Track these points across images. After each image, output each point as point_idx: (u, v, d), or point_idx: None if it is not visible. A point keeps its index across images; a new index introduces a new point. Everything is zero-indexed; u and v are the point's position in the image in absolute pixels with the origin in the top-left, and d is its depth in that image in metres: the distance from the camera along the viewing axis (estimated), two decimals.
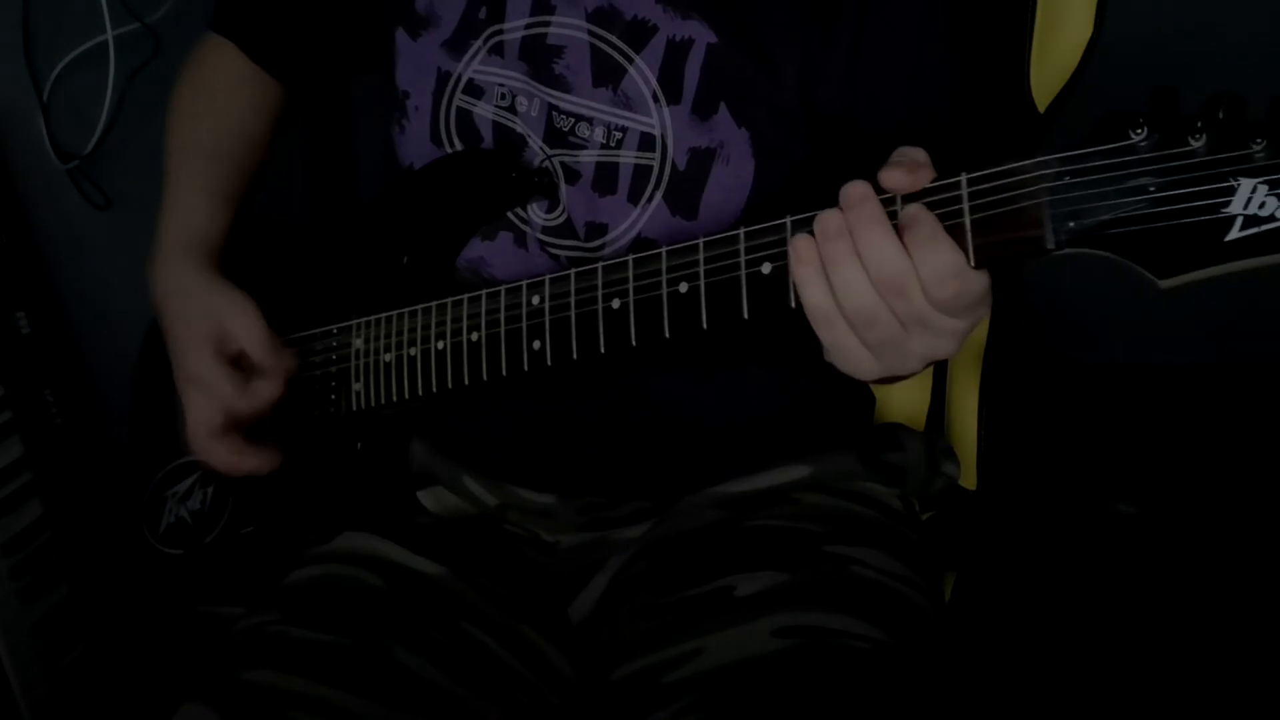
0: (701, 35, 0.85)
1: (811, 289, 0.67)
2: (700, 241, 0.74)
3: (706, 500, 0.97)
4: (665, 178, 0.87)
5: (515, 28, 0.89)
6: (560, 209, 0.90)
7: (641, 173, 0.87)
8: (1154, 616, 1.62)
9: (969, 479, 1.11)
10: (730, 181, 0.86)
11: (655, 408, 0.95)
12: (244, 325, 0.93)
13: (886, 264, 0.65)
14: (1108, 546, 1.72)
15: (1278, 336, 1.85)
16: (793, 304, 0.70)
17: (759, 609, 0.85)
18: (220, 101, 1.04)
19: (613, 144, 0.88)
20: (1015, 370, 0.89)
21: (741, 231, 0.72)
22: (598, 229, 0.89)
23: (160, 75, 1.43)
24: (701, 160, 0.86)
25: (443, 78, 0.92)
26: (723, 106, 0.85)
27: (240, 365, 0.94)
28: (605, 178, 0.88)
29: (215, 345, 0.93)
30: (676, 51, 0.85)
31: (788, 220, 0.70)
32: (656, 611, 0.89)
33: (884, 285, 0.65)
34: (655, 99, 0.86)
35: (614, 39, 0.87)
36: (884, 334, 0.67)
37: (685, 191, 0.87)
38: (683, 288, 0.74)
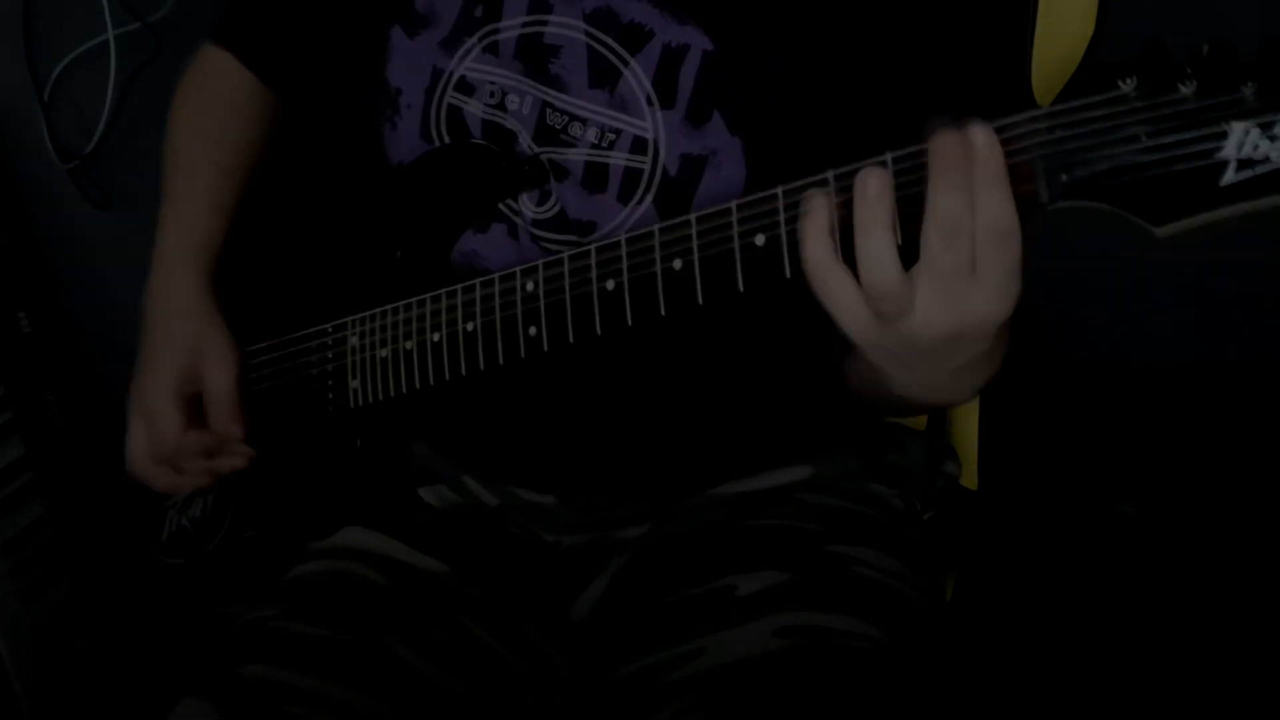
0: (698, 42, 0.85)
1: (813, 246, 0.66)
2: (692, 217, 0.73)
3: (707, 500, 0.97)
4: (656, 182, 0.87)
5: (512, 26, 0.89)
6: (552, 202, 0.90)
7: (632, 175, 0.87)
8: (1154, 616, 1.62)
9: (969, 479, 1.11)
10: (721, 189, 0.86)
11: (655, 408, 0.95)
12: (217, 376, 0.95)
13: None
14: (1108, 547, 1.72)
15: (1278, 335, 1.85)
16: (787, 274, 0.70)
17: (760, 609, 0.84)
18: (221, 114, 1.05)
19: (605, 145, 0.88)
20: (1015, 370, 0.89)
21: (734, 204, 0.72)
22: (587, 226, 0.89)
23: (161, 75, 1.43)
24: (693, 167, 0.86)
25: (436, 75, 0.92)
26: (716, 114, 0.85)
27: (199, 405, 0.96)
28: (595, 176, 0.88)
29: (179, 381, 0.95)
30: (672, 57, 0.85)
31: (779, 190, 0.70)
32: (657, 612, 0.89)
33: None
34: (649, 103, 0.86)
35: (610, 41, 0.86)
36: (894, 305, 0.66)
37: (675, 197, 0.87)
38: (677, 264, 0.74)
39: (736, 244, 0.72)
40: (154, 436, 0.96)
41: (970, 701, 0.83)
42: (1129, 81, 0.59)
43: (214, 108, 1.05)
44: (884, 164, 0.66)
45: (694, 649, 0.83)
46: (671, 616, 0.87)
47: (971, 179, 0.62)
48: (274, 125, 1.07)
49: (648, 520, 0.98)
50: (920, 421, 1.12)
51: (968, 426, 1.12)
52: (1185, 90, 0.57)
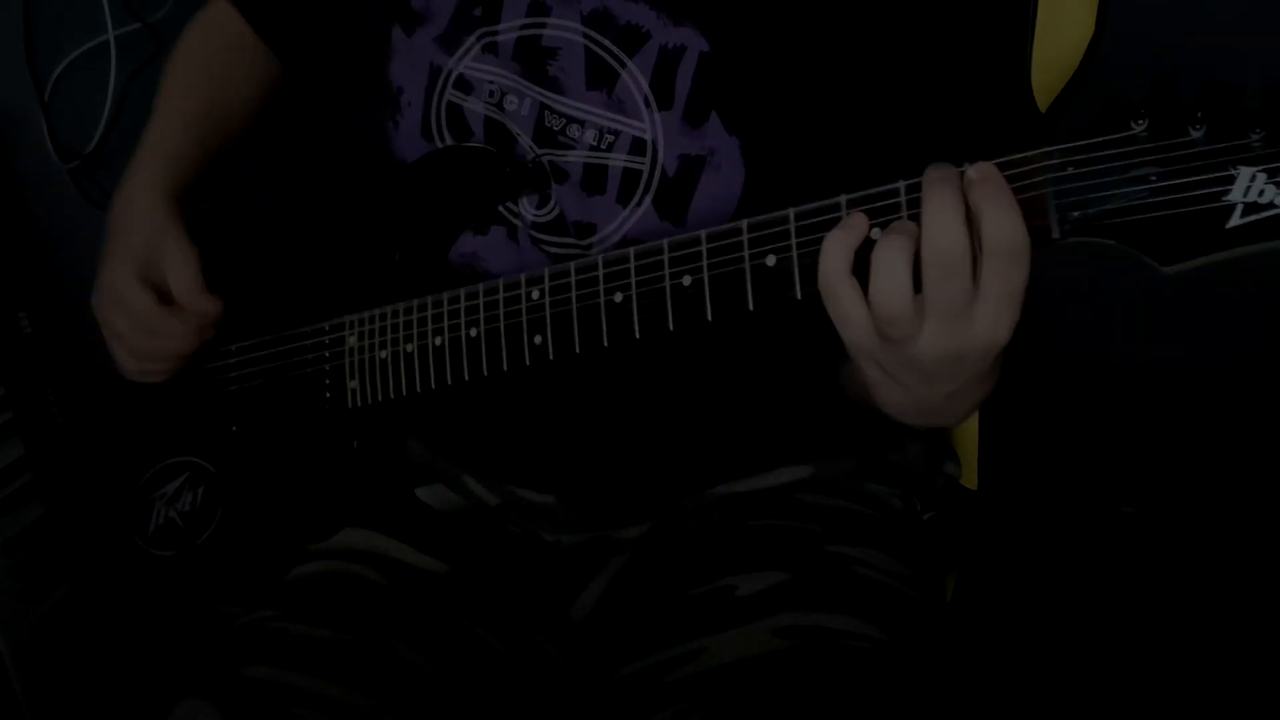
0: (694, 43, 0.85)
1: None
2: (702, 234, 0.74)
3: (707, 500, 0.97)
4: (655, 183, 0.87)
5: (510, 28, 0.89)
6: (551, 205, 0.90)
7: (631, 176, 0.87)
8: (1154, 616, 1.62)
9: (969, 479, 1.11)
10: (720, 189, 0.86)
11: (656, 408, 0.95)
12: (178, 270, 0.93)
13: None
14: (1108, 547, 1.72)
15: (1278, 334, 1.85)
16: (798, 295, 0.70)
17: (760, 609, 0.84)
18: (218, 60, 1.07)
19: (603, 146, 0.88)
20: (1015, 370, 0.89)
21: (744, 223, 0.72)
22: (587, 228, 0.89)
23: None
24: (691, 167, 0.86)
25: (434, 72, 0.92)
26: (714, 114, 0.85)
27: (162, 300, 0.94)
28: (594, 178, 0.88)
29: (141, 267, 0.94)
30: (669, 58, 0.85)
31: (790, 212, 0.71)
32: (657, 612, 0.89)
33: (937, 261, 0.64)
34: (647, 104, 0.86)
35: (608, 43, 0.86)
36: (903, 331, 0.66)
37: (674, 197, 0.87)
38: (686, 280, 0.74)
39: (747, 264, 0.72)
40: (132, 317, 0.94)
41: (970, 701, 0.83)
42: (1140, 123, 0.61)
43: (208, 56, 1.07)
44: (897, 191, 0.67)
45: (695, 649, 0.83)
46: (672, 616, 0.87)
47: (967, 206, 0.63)
48: (269, 89, 1.09)
49: (647, 520, 0.98)
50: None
51: (968, 426, 1.12)
52: (1195, 134, 0.59)
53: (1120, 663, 1.57)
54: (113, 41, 1.47)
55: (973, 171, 0.64)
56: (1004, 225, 0.62)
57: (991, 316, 0.64)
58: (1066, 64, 0.95)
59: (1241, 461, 1.79)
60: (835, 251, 0.67)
